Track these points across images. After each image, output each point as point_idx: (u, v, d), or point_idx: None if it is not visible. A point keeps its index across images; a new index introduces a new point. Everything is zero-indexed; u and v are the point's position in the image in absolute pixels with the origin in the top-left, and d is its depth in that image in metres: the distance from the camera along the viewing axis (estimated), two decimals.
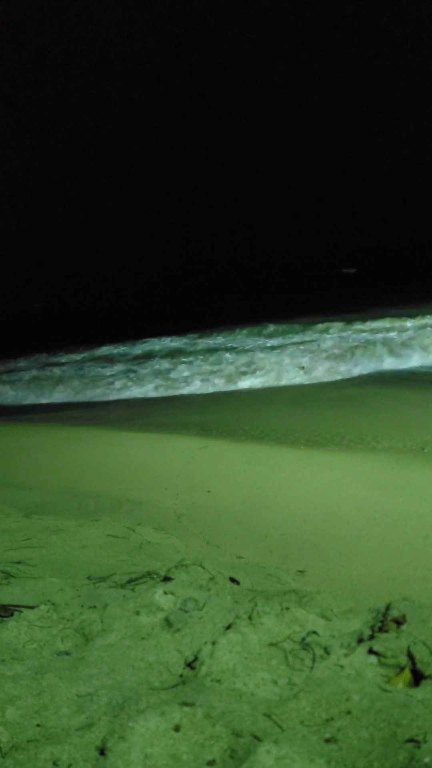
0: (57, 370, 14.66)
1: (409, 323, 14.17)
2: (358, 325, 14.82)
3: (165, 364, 13.34)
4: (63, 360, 16.76)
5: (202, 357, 13.61)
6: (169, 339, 17.21)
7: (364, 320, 15.23)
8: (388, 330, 13.77)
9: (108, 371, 13.75)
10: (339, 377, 10.02)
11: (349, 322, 15.18)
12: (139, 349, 16.63)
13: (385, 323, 14.52)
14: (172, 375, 12.03)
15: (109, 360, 15.51)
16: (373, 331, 13.99)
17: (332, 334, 14.31)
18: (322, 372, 10.35)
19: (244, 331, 16.32)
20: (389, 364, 10.45)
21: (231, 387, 10.35)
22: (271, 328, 15.95)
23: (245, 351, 13.55)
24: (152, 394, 11.01)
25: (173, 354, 14.82)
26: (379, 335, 13.26)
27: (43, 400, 12.15)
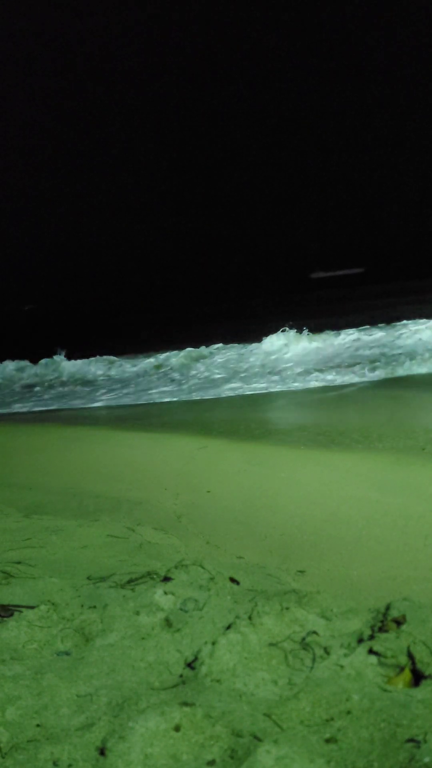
0: None
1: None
2: (367, 330, 14.57)
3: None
4: None
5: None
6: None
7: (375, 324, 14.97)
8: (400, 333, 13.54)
9: None
10: (340, 381, 9.95)
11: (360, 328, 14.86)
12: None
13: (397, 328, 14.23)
14: None
15: None
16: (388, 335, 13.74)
17: (341, 341, 14.01)
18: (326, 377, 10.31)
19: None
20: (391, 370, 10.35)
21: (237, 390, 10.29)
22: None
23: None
24: None
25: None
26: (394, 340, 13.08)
27: None
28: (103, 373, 15.59)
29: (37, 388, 14.63)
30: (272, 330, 15.23)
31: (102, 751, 1.25)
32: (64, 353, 17.48)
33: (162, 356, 15.62)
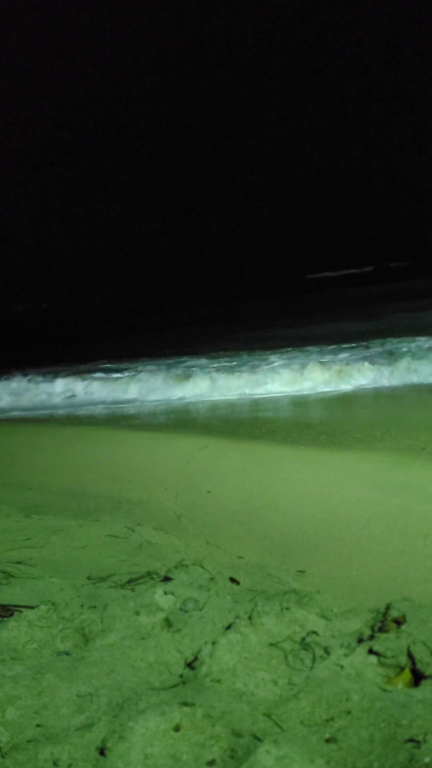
0: None
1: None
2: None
3: None
4: None
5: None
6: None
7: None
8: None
9: None
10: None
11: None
12: None
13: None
14: None
15: None
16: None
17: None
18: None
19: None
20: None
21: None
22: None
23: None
24: None
25: None
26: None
27: None
28: None
29: None
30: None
31: (102, 751, 1.25)
32: None
33: None
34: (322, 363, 10.57)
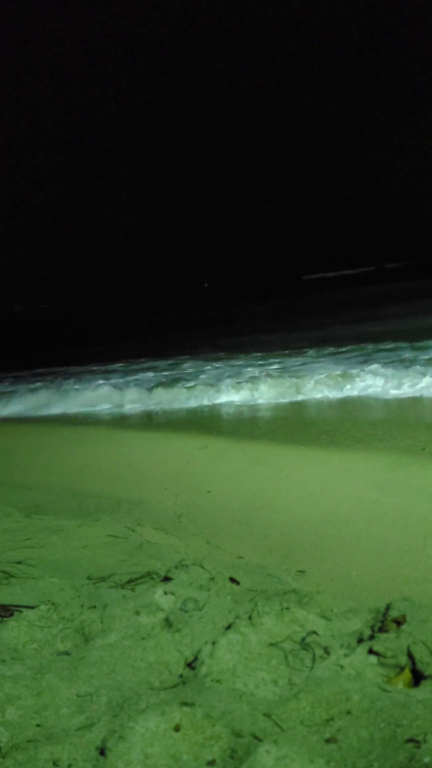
0: None
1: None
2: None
3: None
4: None
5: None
6: None
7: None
8: None
9: None
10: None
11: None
12: None
13: None
14: None
15: None
16: None
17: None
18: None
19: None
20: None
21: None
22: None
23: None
24: None
25: None
26: None
27: None
28: None
29: None
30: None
31: (102, 751, 1.25)
32: None
33: None
34: (319, 366, 10.60)
